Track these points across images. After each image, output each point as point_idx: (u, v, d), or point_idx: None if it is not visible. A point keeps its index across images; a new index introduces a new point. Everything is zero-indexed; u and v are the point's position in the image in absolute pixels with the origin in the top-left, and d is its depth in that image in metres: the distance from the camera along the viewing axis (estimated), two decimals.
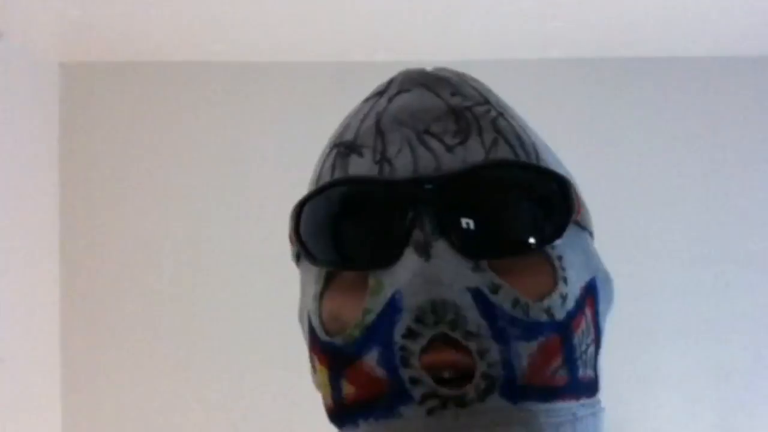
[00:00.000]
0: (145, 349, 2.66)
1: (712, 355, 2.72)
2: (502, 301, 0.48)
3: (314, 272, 0.54)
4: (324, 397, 0.54)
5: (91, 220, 2.69)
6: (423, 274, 0.47)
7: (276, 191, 2.66)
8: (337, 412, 0.52)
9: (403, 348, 0.47)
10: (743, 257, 2.74)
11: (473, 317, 0.47)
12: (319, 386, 0.55)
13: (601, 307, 0.55)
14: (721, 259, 2.74)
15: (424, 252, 0.47)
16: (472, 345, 0.47)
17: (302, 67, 2.72)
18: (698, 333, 2.72)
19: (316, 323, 0.53)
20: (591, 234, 0.58)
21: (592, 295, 0.54)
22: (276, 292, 2.63)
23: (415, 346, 0.47)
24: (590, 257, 0.56)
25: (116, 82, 2.71)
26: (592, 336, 0.53)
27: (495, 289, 0.48)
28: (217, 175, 2.72)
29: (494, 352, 0.47)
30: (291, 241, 0.56)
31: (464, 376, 0.47)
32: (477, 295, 0.48)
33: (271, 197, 2.66)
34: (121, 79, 2.71)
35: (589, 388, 0.52)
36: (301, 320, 0.58)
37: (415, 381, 0.47)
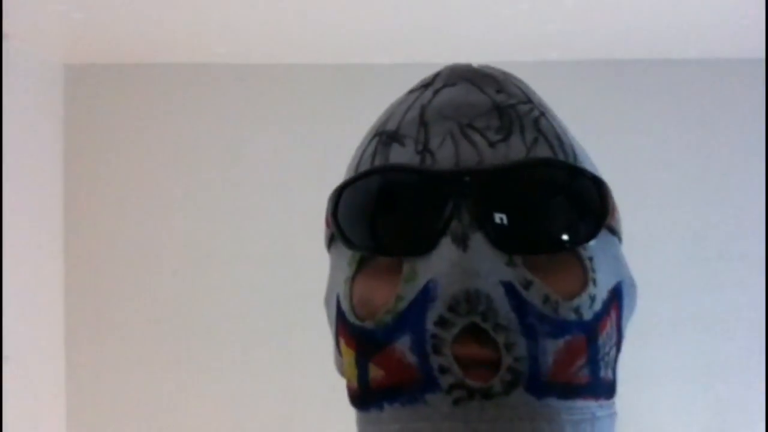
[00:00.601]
0: (149, 346, 2.67)
1: (705, 352, 2.73)
2: (533, 297, 0.49)
3: (347, 256, 0.55)
4: (349, 380, 0.54)
5: (95, 219, 2.69)
6: (460, 264, 0.47)
7: (277, 192, 2.68)
8: (362, 395, 0.52)
9: (434, 336, 0.48)
10: (736, 256, 2.75)
11: (504, 310, 0.48)
12: (343, 369, 0.55)
13: (625, 312, 0.56)
14: (714, 258, 2.75)
15: (462, 243, 0.48)
16: (501, 338, 0.47)
17: (303, 69, 2.73)
18: (691, 330, 2.73)
19: (345, 306, 0.53)
20: (620, 239, 0.59)
21: (617, 299, 0.54)
22: (278, 292, 2.65)
23: (447, 335, 0.47)
24: (619, 262, 0.57)
25: (120, 84, 2.71)
26: (614, 339, 0.53)
27: (527, 285, 0.49)
28: (219, 175, 2.72)
29: (521, 346, 0.48)
30: (327, 223, 0.57)
31: (491, 368, 0.48)
32: (509, 289, 0.48)
33: (272, 198, 2.68)
34: (124, 80, 2.71)
35: (608, 389, 0.53)
36: (327, 304, 0.58)
37: (444, 370, 0.47)
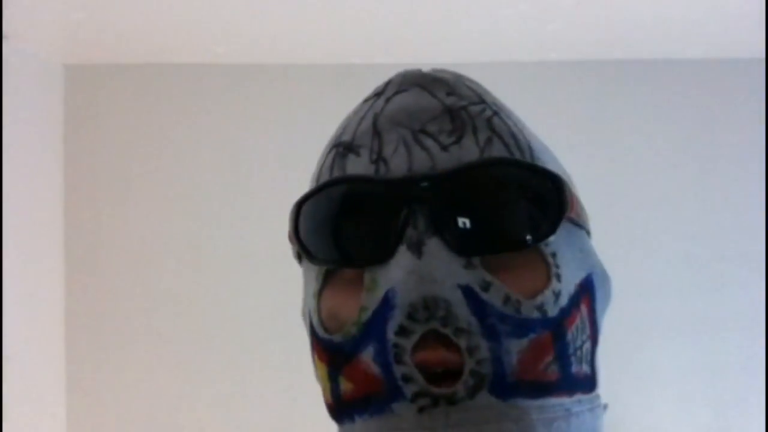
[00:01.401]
0: (149, 346, 2.67)
1: (707, 353, 2.73)
2: (493, 298, 0.48)
3: (314, 270, 0.55)
4: (324, 394, 0.54)
5: (96, 219, 2.69)
6: (415, 271, 0.47)
7: (277, 192, 2.66)
8: (336, 408, 0.53)
9: (396, 345, 0.48)
10: (737, 256, 2.75)
11: (463, 314, 0.47)
12: (319, 382, 0.55)
13: (599, 305, 0.55)
14: (716, 259, 2.75)
15: (417, 249, 0.48)
16: (462, 342, 0.47)
17: (303, 69, 2.72)
18: (693, 331, 2.73)
19: (315, 321, 0.53)
20: (588, 232, 0.58)
21: (588, 292, 0.54)
22: (278, 292, 2.63)
23: (408, 343, 0.47)
24: (586, 255, 0.56)
25: (120, 84, 2.71)
26: (587, 332, 0.53)
27: (486, 287, 0.48)
28: (219, 175, 2.72)
29: (483, 349, 0.47)
30: (290, 240, 0.56)
31: (455, 373, 0.48)
32: (468, 292, 0.48)
33: (272, 198, 2.65)
34: (124, 80, 2.71)
35: (585, 384, 0.52)
36: (303, 318, 0.58)
37: (407, 378, 0.48)
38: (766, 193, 2.75)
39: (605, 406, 0.55)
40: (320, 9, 2.30)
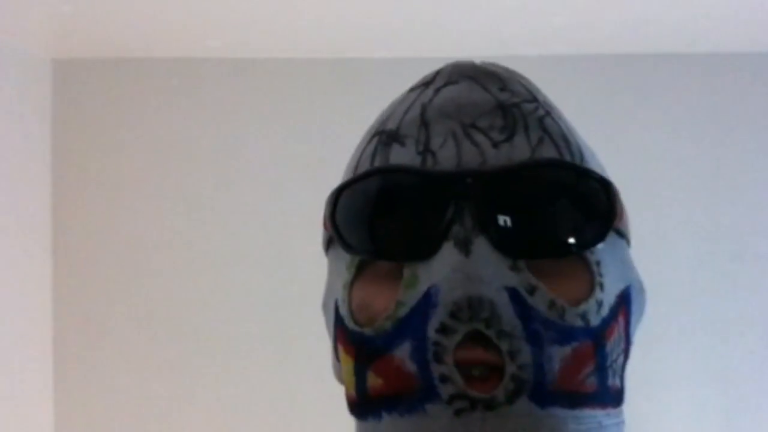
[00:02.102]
0: (138, 348, 2.67)
1: (719, 356, 2.72)
2: (538, 302, 0.48)
3: (346, 260, 0.54)
4: (347, 388, 0.53)
5: (84, 217, 2.69)
6: (462, 269, 0.47)
7: (271, 188, 2.68)
8: (360, 404, 0.51)
9: (436, 343, 0.47)
10: (750, 257, 2.74)
11: (508, 316, 0.47)
12: (341, 377, 0.54)
13: (633, 318, 0.55)
14: (727, 260, 2.74)
15: (464, 247, 0.47)
16: (504, 345, 0.47)
17: (298, 63, 2.72)
18: (704, 334, 2.72)
19: (344, 312, 0.52)
20: (629, 242, 0.58)
21: (625, 304, 0.53)
22: (271, 292, 2.66)
23: (449, 342, 0.47)
24: (627, 266, 0.56)
25: (109, 79, 2.71)
26: (622, 346, 0.53)
27: (532, 290, 0.48)
28: (210, 172, 2.72)
29: (526, 353, 0.47)
30: (325, 226, 0.56)
31: (492, 376, 0.47)
32: (514, 294, 0.47)
33: (265, 195, 2.68)
34: (113, 75, 2.70)
35: (616, 398, 0.52)
36: (325, 309, 0.57)
37: (445, 379, 0.47)
38: None
39: (624, 423, 0.54)
40: (316, 2, 2.29)
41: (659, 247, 2.70)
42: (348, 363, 0.52)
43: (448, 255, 0.47)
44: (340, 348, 0.53)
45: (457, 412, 0.46)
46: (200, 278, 2.68)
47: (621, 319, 0.52)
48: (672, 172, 2.76)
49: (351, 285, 0.53)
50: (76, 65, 2.68)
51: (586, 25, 2.53)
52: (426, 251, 0.48)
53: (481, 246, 0.47)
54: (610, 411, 0.51)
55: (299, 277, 2.37)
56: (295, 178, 2.63)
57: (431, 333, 0.47)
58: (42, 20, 2.39)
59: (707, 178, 2.76)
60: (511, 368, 0.46)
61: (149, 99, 2.71)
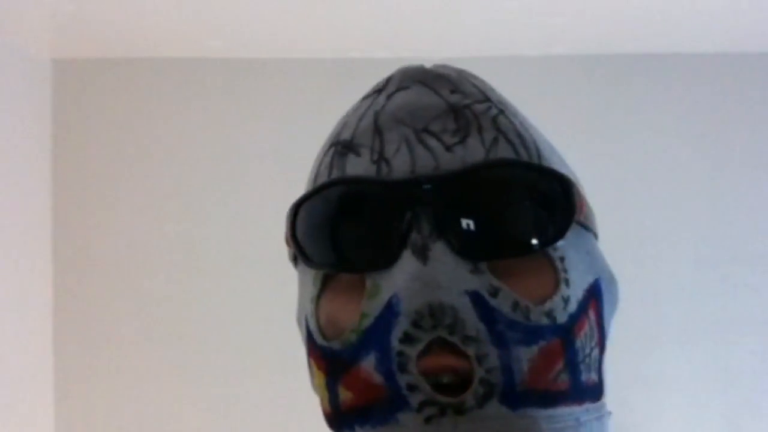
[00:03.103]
0: (138, 350, 2.66)
1: (719, 357, 2.71)
2: (502, 304, 0.47)
3: (311, 274, 0.54)
4: (321, 402, 0.53)
5: (84, 217, 2.68)
6: (421, 277, 0.46)
7: (272, 189, 2.66)
8: (334, 417, 0.51)
9: (400, 353, 0.46)
10: (750, 259, 2.73)
11: (472, 321, 0.46)
12: (316, 390, 0.54)
13: (606, 310, 0.54)
14: (727, 261, 2.73)
15: (422, 254, 0.47)
16: (471, 350, 0.46)
17: (300, 63, 2.71)
18: (704, 335, 2.71)
19: (313, 327, 0.52)
20: (595, 235, 0.57)
21: (596, 297, 0.53)
22: (272, 293, 2.64)
23: (413, 351, 0.46)
24: (594, 258, 0.54)
25: (109, 79, 2.70)
26: (596, 339, 0.52)
27: (494, 292, 0.47)
28: (212, 173, 2.71)
29: (493, 357, 0.46)
30: (287, 242, 0.55)
31: (463, 381, 0.46)
32: (476, 298, 0.47)
33: (267, 196, 2.67)
34: (114, 75, 2.70)
35: (594, 392, 0.51)
36: (299, 323, 0.57)
37: (412, 387, 0.46)
38: None
39: (610, 414, 0.54)
40: (316, 2, 2.29)
41: (659, 248, 2.70)
42: (320, 378, 0.52)
43: (406, 263, 0.47)
44: (312, 363, 0.53)
45: (428, 419, 0.46)
46: (200, 279, 2.68)
47: (592, 313, 0.52)
48: (672, 172, 2.75)
49: (318, 299, 0.52)
50: (76, 65, 2.68)
51: (586, 25, 2.52)
52: (386, 261, 0.48)
53: (439, 251, 0.47)
54: (589, 406, 0.51)
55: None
56: (295, 178, 2.62)
57: (395, 343, 0.46)
58: (42, 20, 2.39)
59: (707, 179, 2.76)
60: (479, 372, 0.46)
61: (149, 99, 2.71)
